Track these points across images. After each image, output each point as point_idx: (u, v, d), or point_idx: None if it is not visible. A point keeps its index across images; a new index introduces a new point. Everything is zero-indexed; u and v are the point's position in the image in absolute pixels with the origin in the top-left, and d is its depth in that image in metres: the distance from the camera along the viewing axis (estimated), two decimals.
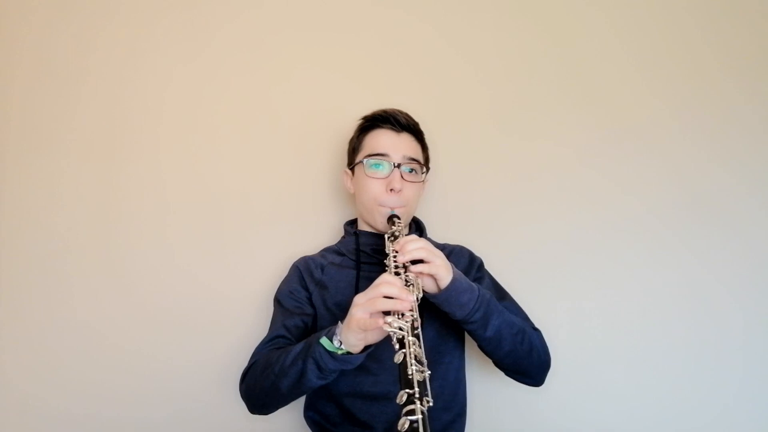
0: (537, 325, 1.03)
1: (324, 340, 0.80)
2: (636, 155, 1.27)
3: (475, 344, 0.96)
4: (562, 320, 1.20)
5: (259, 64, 1.33)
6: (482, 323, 0.88)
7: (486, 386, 1.15)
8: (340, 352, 0.79)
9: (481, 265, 1.10)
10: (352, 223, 1.14)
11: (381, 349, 0.81)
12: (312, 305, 1.01)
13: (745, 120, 1.26)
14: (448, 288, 0.84)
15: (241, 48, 1.33)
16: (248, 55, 1.33)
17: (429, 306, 0.88)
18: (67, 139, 1.30)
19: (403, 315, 0.73)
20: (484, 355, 0.96)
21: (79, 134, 1.31)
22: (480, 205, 1.27)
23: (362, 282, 0.99)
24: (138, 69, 1.33)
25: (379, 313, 0.74)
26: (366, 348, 0.79)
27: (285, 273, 1.09)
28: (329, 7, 1.34)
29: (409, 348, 0.69)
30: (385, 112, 1.05)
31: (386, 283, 0.77)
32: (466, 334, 1.02)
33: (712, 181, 1.25)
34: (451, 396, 0.97)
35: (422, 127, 1.10)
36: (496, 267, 1.11)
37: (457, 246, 1.11)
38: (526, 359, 0.94)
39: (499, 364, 0.97)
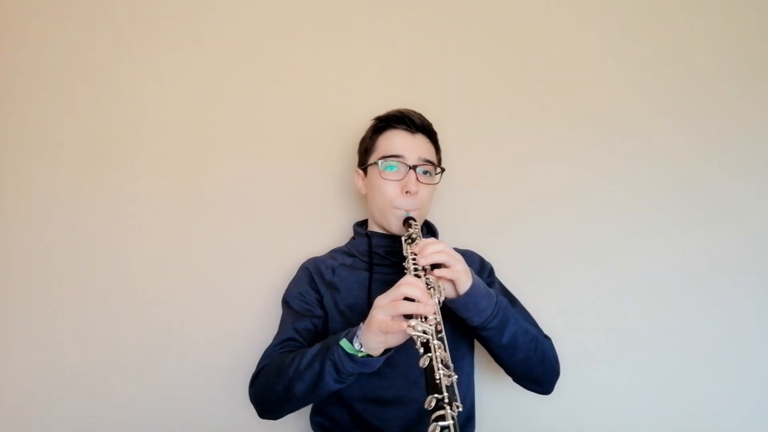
0: (546, 332, 1.02)
1: (344, 342, 0.78)
2: (642, 153, 1.26)
3: (483, 351, 0.95)
4: (570, 326, 1.19)
5: (266, 62, 1.31)
6: (499, 330, 0.87)
7: (493, 392, 1.15)
8: (360, 354, 0.77)
9: (491, 270, 1.09)
10: (362, 224, 1.12)
11: (393, 353, 0.80)
12: (322, 307, 0.99)
13: (743, 114, 1.26)
14: (467, 293, 0.83)
15: (247, 46, 1.31)
16: (255, 54, 1.31)
17: (441, 311, 0.87)
18: (68, 140, 1.27)
19: (426, 318, 0.72)
20: (492, 361, 0.95)
21: (82, 134, 1.28)
22: (486, 210, 1.26)
23: (375, 284, 0.98)
24: (141, 68, 1.30)
25: (401, 317, 0.73)
26: (386, 351, 0.78)
27: (293, 274, 1.07)
28: (338, 3, 1.32)
29: (435, 352, 0.68)
30: (399, 112, 1.03)
31: (408, 284, 0.75)
32: (475, 341, 1.02)
33: (712, 176, 1.24)
34: (462, 401, 0.95)
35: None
36: (502, 272, 1.11)
37: (468, 251, 1.10)
38: (538, 367, 0.93)
39: (512, 372, 0.96)
